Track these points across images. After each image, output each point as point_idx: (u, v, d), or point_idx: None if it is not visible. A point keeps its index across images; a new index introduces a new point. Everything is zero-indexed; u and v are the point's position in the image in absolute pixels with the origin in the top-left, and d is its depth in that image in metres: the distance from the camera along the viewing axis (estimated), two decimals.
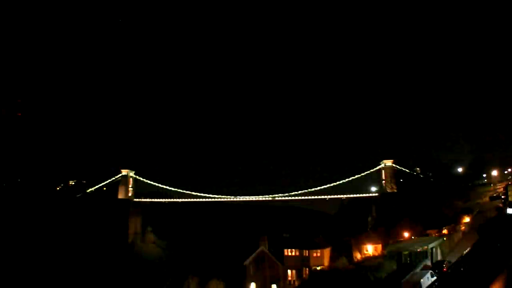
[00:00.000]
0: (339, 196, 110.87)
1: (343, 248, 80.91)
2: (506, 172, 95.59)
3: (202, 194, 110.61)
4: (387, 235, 74.75)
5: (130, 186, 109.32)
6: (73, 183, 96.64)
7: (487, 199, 72.00)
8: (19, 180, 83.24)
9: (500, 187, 79.23)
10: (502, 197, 61.69)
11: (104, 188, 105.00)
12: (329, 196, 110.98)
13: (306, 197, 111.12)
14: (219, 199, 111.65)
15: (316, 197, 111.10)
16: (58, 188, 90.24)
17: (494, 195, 70.72)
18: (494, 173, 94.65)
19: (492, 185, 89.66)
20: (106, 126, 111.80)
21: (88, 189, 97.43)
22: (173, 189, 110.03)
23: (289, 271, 71.08)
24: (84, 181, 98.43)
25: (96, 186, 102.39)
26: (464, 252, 35.65)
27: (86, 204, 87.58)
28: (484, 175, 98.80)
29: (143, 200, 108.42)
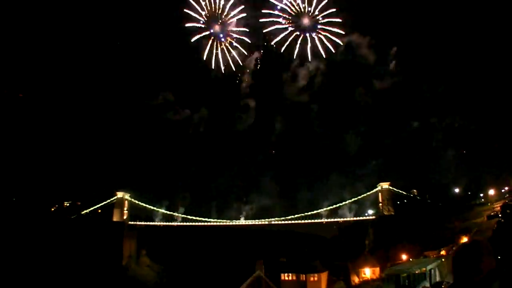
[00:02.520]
0: (336, 219, 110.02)
1: (341, 271, 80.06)
2: (503, 190, 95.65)
3: (197, 218, 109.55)
4: (385, 258, 74.20)
5: (125, 208, 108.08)
6: (68, 204, 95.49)
7: (484, 218, 72.10)
8: (14, 199, 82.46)
9: (497, 206, 79.41)
10: (500, 215, 61.86)
11: (99, 210, 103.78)
12: (326, 220, 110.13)
13: (303, 221, 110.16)
14: (214, 223, 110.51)
15: (312, 220, 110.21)
16: (52, 209, 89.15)
17: (492, 214, 70.83)
18: (491, 192, 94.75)
19: (489, 204, 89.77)
20: (102, 147, 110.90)
21: (83, 210, 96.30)
22: (168, 212, 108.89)
23: None
24: (79, 203, 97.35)
25: (91, 208, 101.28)
26: None
27: (80, 225, 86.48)
28: (481, 195, 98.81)
29: (138, 223, 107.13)
